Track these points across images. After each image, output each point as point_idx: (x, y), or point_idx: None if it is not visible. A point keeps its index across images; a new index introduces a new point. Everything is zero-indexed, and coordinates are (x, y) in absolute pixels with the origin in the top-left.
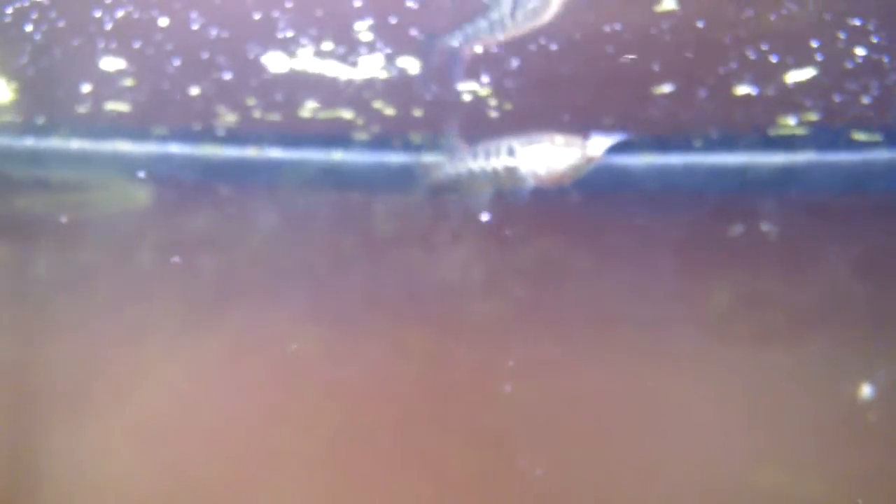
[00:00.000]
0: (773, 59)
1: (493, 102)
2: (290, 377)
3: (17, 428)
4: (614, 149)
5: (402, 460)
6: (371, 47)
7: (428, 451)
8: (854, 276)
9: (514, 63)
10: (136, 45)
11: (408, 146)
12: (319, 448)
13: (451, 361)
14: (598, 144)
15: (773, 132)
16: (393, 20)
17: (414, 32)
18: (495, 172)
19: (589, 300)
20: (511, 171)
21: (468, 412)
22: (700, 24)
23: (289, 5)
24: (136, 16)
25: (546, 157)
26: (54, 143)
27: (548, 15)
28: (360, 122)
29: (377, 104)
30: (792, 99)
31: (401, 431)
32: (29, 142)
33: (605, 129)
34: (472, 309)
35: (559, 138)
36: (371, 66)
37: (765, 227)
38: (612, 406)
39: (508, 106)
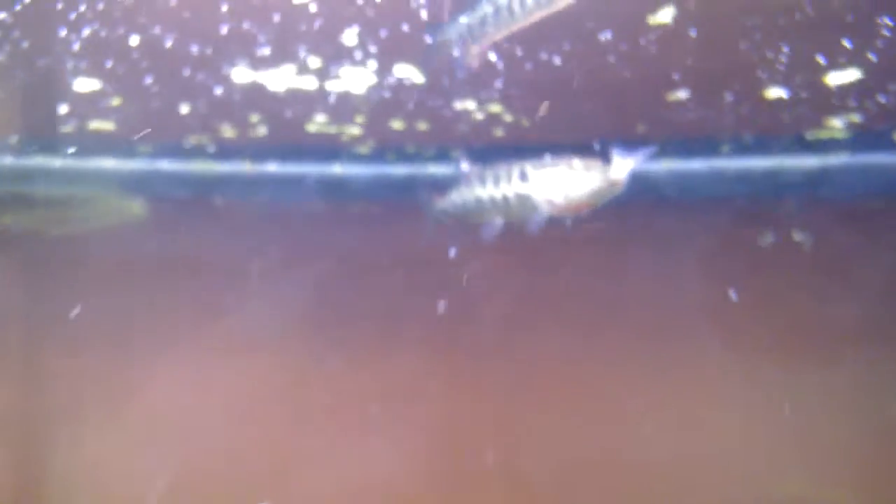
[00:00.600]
0: (822, 61)
1: (506, 118)
2: (294, 394)
3: (19, 439)
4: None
5: (420, 467)
6: (363, 56)
7: (453, 457)
8: (891, 286)
9: (524, 74)
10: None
11: (410, 161)
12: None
13: (468, 376)
14: (621, 167)
15: (812, 135)
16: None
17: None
18: (506, 200)
19: (612, 314)
20: (523, 199)
21: (491, 430)
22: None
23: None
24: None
25: (563, 182)
26: (37, 161)
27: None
28: (359, 135)
29: (376, 117)
30: (833, 101)
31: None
32: (9, 160)
33: (629, 136)
34: (490, 323)
35: (577, 161)
36: (364, 78)
37: (797, 234)
38: (636, 421)
39: (525, 122)
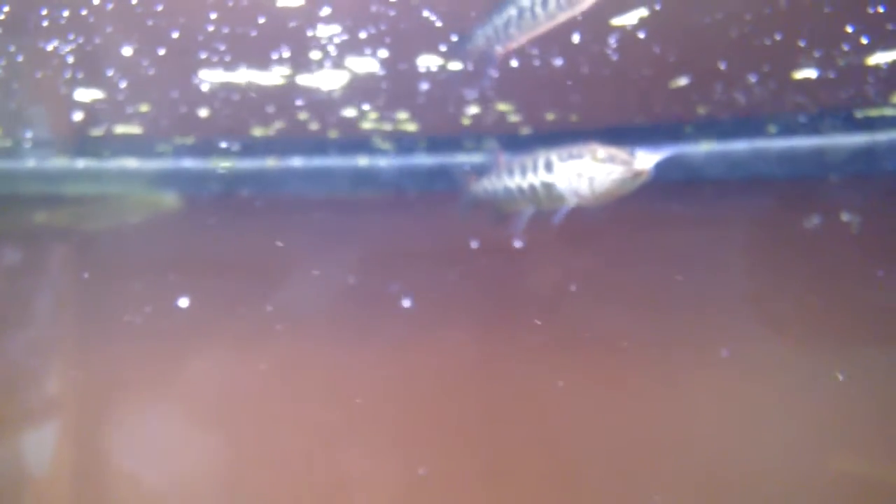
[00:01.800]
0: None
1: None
2: (330, 379)
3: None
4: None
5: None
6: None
7: (493, 444)
8: None
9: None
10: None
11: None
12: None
13: (506, 360)
14: (647, 158)
15: (861, 113)
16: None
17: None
18: (533, 190)
19: (655, 296)
20: (550, 190)
21: (535, 413)
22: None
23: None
24: None
25: (588, 173)
26: (65, 162)
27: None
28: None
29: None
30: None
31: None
32: (39, 162)
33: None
34: (530, 306)
35: (601, 152)
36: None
37: (845, 216)
38: (679, 401)
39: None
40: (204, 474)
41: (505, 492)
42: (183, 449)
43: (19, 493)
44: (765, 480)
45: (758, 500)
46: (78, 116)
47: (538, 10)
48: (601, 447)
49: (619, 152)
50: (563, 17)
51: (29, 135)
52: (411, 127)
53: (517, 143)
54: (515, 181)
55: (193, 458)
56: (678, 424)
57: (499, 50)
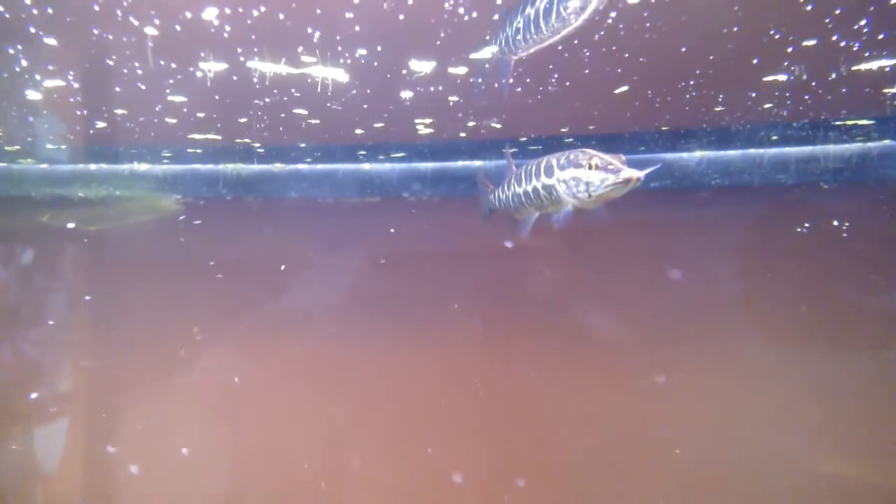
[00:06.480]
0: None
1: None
2: (338, 371)
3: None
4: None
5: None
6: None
7: (488, 436)
8: None
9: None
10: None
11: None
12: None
13: (504, 357)
14: (639, 165)
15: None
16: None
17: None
18: (536, 193)
19: (651, 298)
20: (550, 192)
21: (527, 410)
22: None
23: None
24: None
25: (584, 179)
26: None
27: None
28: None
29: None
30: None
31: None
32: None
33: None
34: (529, 307)
35: (597, 159)
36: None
37: (835, 222)
38: (673, 402)
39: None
40: (211, 468)
41: (504, 487)
42: (191, 444)
43: (31, 486)
44: (757, 481)
45: (750, 501)
46: (90, 122)
47: (542, 23)
48: (597, 446)
49: (612, 159)
50: (568, 28)
51: (40, 139)
52: (421, 133)
53: (521, 146)
54: (522, 187)
55: (201, 452)
56: (672, 425)
57: (513, 59)
